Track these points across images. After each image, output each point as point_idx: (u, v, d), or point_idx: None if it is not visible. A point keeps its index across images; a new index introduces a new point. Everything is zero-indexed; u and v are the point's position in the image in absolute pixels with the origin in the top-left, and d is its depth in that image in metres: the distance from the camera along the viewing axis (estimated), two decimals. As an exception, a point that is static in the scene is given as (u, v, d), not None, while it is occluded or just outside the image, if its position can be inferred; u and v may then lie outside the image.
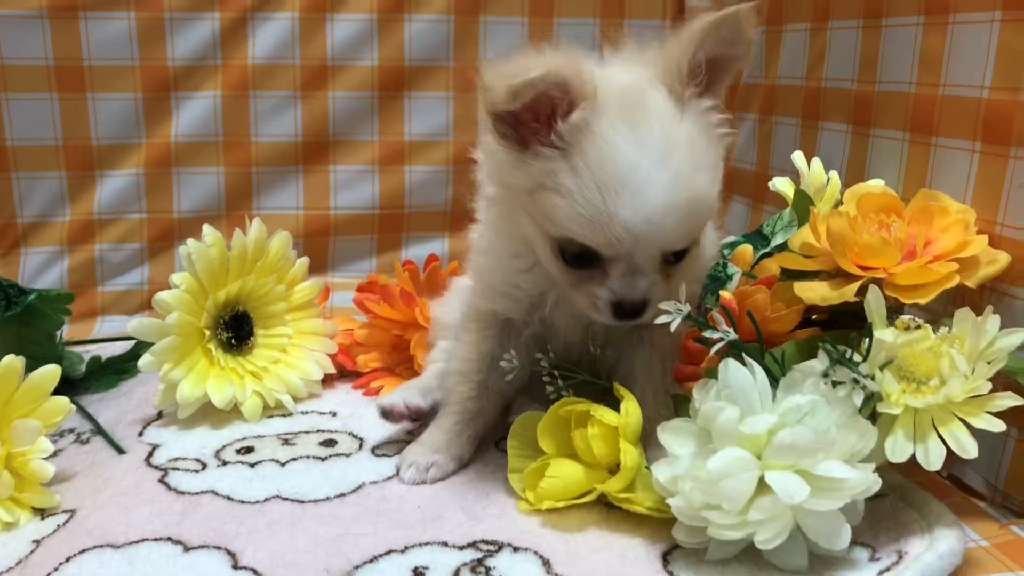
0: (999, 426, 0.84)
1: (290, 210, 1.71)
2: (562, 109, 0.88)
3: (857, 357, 0.89)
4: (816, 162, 1.20)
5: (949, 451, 0.85)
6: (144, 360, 1.14)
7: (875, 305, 0.90)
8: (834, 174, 1.20)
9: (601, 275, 0.92)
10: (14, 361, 0.99)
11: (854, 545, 0.88)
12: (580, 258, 0.92)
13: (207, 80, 1.64)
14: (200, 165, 1.67)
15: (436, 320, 1.25)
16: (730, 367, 0.88)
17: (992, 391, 0.85)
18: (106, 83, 1.60)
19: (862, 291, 0.93)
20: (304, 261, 1.30)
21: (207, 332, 1.19)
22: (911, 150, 1.17)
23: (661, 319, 0.91)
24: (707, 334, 0.92)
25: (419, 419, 1.13)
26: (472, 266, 1.12)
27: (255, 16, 1.63)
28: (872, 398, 0.87)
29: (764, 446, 0.85)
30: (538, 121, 0.89)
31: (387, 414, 1.12)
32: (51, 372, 1.02)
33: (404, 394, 1.13)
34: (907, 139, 1.18)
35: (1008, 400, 0.85)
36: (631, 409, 0.94)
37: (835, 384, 0.87)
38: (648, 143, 0.88)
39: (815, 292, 1.00)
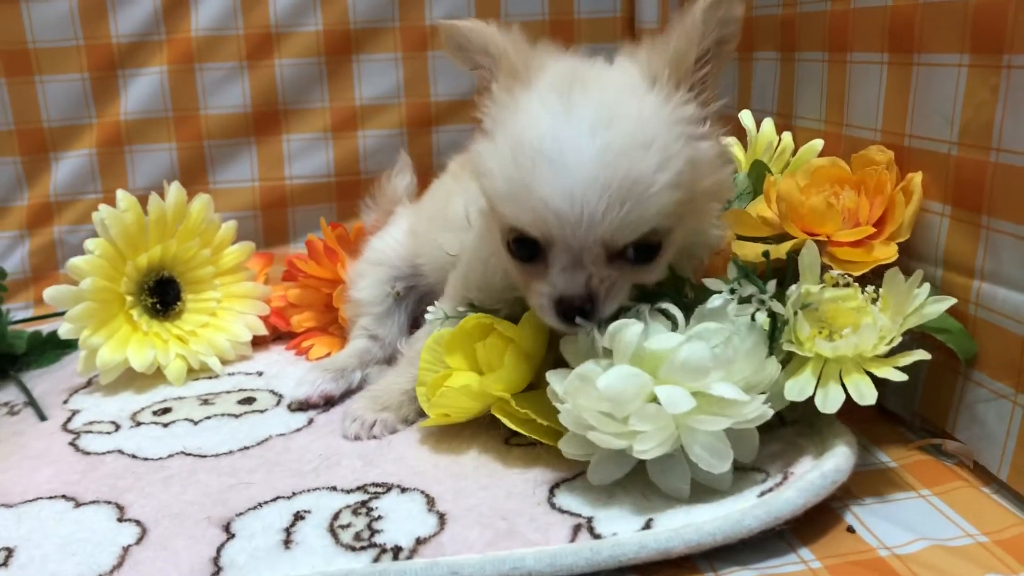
0: (901, 376, 0.82)
1: (245, 182, 1.71)
2: (492, 84, 0.85)
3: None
4: (768, 122, 1.17)
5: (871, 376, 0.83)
6: (63, 327, 1.15)
7: (808, 260, 0.88)
8: (787, 135, 1.16)
9: (544, 270, 0.85)
10: (-76, 333, 1.00)
11: (748, 471, 0.86)
12: (523, 247, 0.86)
13: (152, 56, 1.64)
14: (152, 142, 1.67)
15: (354, 300, 1.23)
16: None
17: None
18: (52, 65, 1.60)
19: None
20: (231, 225, 1.30)
21: (129, 298, 1.19)
22: (830, 70, 1.13)
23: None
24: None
25: (331, 404, 1.11)
26: (459, 261, 1.06)
27: (195, -12, 1.62)
28: (782, 329, 0.85)
29: (661, 364, 0.82)
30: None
31: (303, 407, 1.10)
32: (-40, 342, 1.03)
33: (318, 382, 1.11)
34: (826, 59, 1.13)
35: (917, 356, 0.84)
36: (530, 321, 0.93)
37: (741, 301, 0.85)
38: (578, 113, 0.81)
39: (751, 249, 0.98)
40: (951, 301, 0.86)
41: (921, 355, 0.83)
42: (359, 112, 1.71)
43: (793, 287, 0.87)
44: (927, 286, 0.86)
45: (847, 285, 0.87)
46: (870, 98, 1.04)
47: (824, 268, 0.90)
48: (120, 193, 1.19)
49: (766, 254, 0.89)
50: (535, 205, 0.80)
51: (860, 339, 0.82)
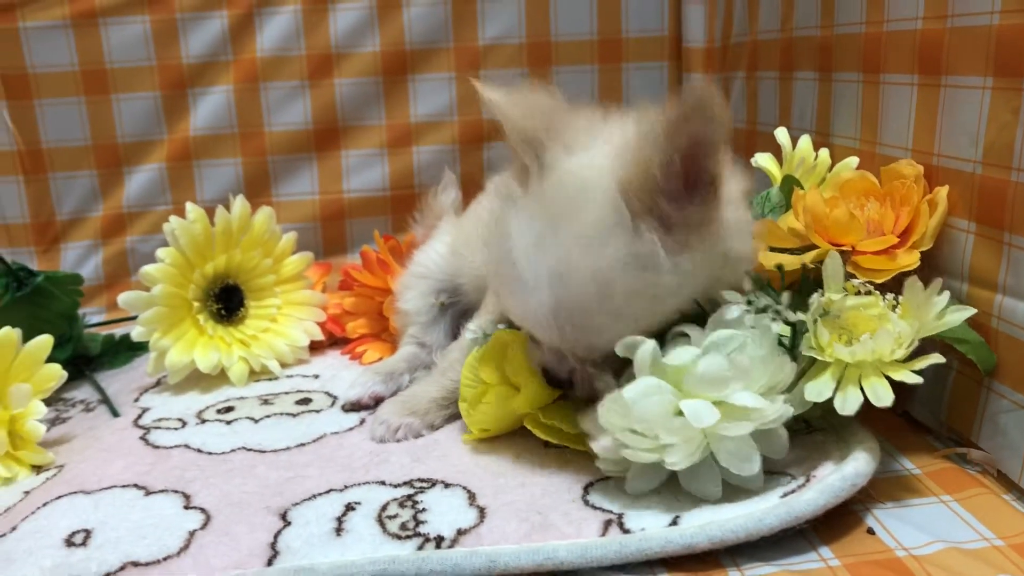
0: (916, 379, 0.85)
1: (306, 195, 1.79)
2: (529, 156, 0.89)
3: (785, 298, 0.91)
4: (804, 138, 1.20)
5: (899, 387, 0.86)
6: (136, 330, 1.23)
7: (831, 270, 0.92)
8: (824, 152, 1.19)
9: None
10: (10, 333, 1.09)
11: (776, 475, 0.89)
12: None
13: (220, 75, 1.73)
14: (219, 157, 1.76)
15: (401, 311, 1.30)
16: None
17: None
18: (127, 84, 1.70)
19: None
20: (291, 236, 1.38)
21: (196, 304, 1.27)
22: (864, 90, 1.16)
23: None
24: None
25: (380, 403, 1.17)
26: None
27: (260, 11, 1.71)
28: (801, 335, 0.89)
29: (683, 376, 0.87)
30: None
31: (355, 407, 1.17)
32: (44, 342, 1.11)
33: (368, 384, 1.19)
34: (861, 79, 1.17)
35: (932, 359, 0.87)
36: None
37: (757, 311, 0.89)
38: (548, 250, 0.86)
39: (776, 259, 1.02)
40: (971, 311, 0.89)
41: (936, 359, 0.86)
42: (414, 129, 1.79)
43: (815, 295, 0.91)
44: (947, 294, 0.89)
45: (868, 293, 0.91)
46: (901, 118, 1.07)
47: (849, 277, 0.94)
48: (189, 206, 1.27)
49: (779, 267, 0.93)
50: (514, 310, 0.92)
51: (877, 343, 0.86)
